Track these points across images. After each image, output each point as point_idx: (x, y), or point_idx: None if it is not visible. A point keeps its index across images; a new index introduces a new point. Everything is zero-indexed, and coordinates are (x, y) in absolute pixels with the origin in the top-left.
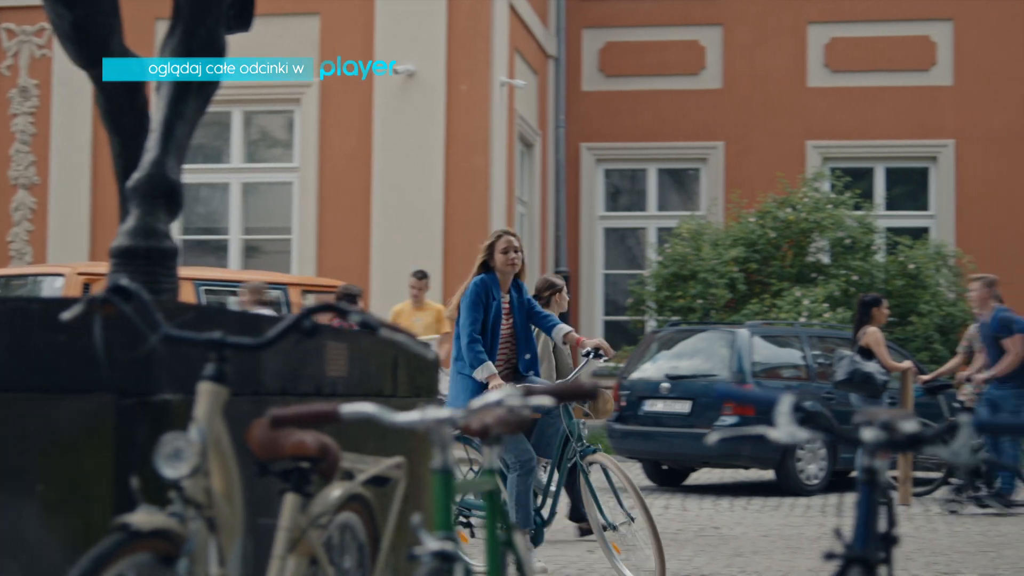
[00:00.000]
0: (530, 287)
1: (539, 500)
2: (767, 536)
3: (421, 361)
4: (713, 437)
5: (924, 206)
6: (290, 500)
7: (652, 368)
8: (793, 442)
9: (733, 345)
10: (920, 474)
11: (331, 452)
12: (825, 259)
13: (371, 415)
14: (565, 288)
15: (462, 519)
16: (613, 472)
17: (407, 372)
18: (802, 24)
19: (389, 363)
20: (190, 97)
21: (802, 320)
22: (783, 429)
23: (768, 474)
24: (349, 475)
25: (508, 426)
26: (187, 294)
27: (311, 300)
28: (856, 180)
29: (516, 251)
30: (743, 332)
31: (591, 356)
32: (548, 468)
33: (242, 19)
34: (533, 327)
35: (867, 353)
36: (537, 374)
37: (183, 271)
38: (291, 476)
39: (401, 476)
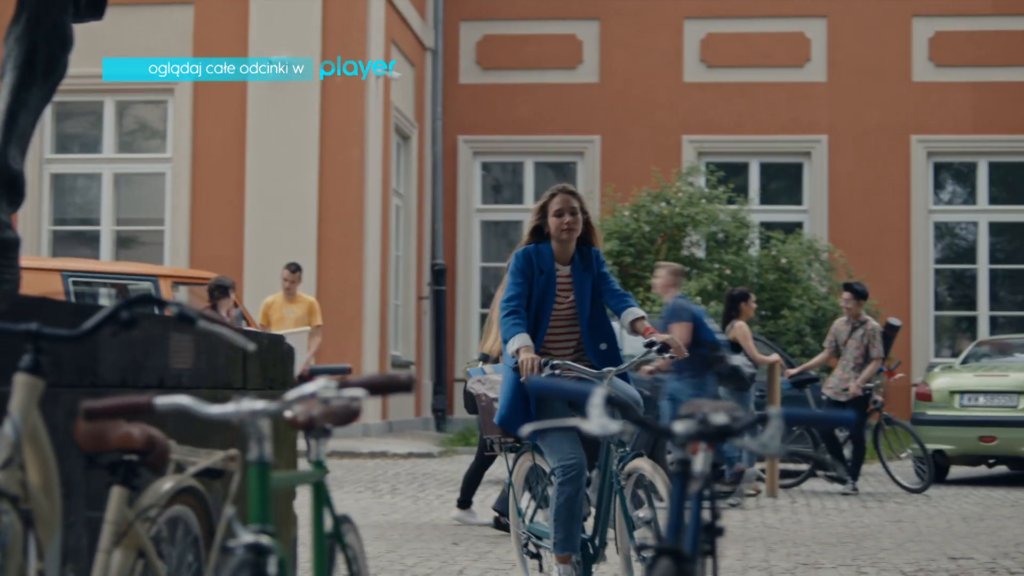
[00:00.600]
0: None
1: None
2: None
3: (275, 353)
4: (527, 429)
5: (798, 201)
6: (116, 493)
7: None
8: (604, 434)
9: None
10: (789, 466)
11: (159, 444)
12: (699, 253)
13: (185, 407)
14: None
15: (531, 548)
16: (657, 482)
17: (259, 364)
18: (678, 19)
19: (239, 355)
20: (34, 85)
21: None
22: (595, 421)
23: None
24: (182, 468)
25: (336, 418)
26: (56, 285)
27: (182, 292)
28: (731, 175)
29: (574, 213)
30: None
31: (653, 350)
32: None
33: (94, 7)
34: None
35: (735, 347)
36: (622, 373)
37: (53, 262)
38: (118, 469)
39: (236, 468)
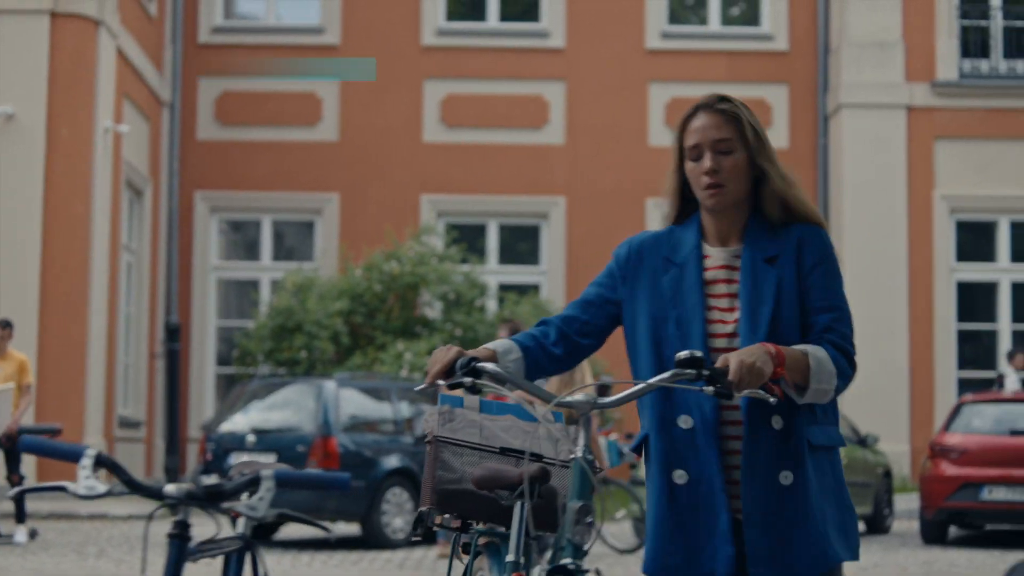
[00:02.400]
0: None
1: None
2: None
3: None
4: (13, 492)
5: (536, 262)
6: None
7: (241, 420)
8: (91, 495)
9: (319, 397)
10: None
11: None
12: (434, 313)
13: None
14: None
15: None
16: None
17: None
18: (418, 80)
19: None
20: None
21: (404, 374)
22: (82, 483)
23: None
24: None
25: None
26: None
27: None
28: (470, 235)
29: (728, 151)
30: (330, 384)
31: (676, 376)
32: None
33: None
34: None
35: None
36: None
37: None
38: None
39: None
